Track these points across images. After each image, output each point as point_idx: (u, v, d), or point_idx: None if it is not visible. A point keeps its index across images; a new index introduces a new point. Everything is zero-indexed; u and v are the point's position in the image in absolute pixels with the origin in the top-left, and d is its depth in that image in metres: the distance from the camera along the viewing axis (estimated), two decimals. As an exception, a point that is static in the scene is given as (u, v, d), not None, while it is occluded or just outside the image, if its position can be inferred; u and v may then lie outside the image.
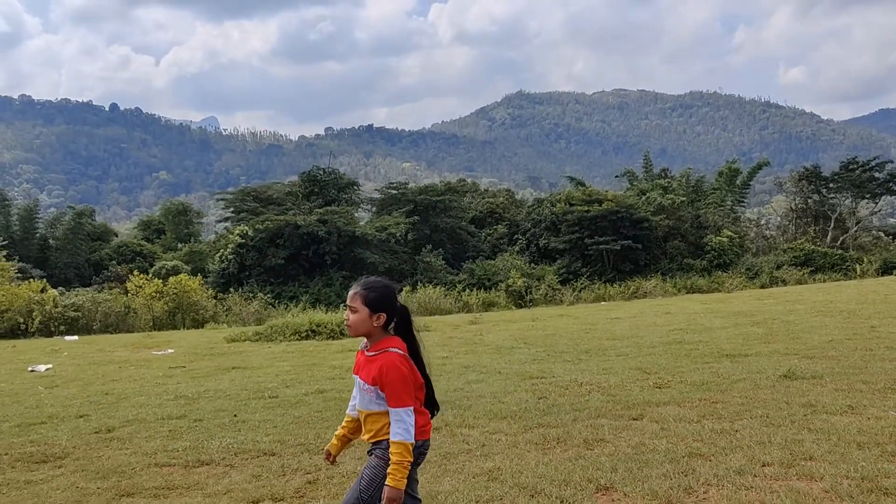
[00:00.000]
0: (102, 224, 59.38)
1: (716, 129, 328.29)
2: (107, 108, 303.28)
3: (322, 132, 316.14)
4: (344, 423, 3.63)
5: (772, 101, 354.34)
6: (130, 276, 25.40)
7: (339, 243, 39.07)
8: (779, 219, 51.42)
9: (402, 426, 3.22)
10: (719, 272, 37.42)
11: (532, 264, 41.18)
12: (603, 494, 4.53)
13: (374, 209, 48.64)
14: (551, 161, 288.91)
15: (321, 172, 45.22)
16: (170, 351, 13.42)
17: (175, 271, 36.87)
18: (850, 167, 41.51)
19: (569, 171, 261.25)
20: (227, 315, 24.44)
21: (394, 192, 47.64)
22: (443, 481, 4.92)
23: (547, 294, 33.97)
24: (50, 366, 11.69)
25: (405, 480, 3.21)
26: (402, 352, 3.31)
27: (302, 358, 11.67)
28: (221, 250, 40.86)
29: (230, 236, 41.24)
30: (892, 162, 42.16)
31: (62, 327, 21.49)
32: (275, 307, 27.65)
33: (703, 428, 5.82)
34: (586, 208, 41.47)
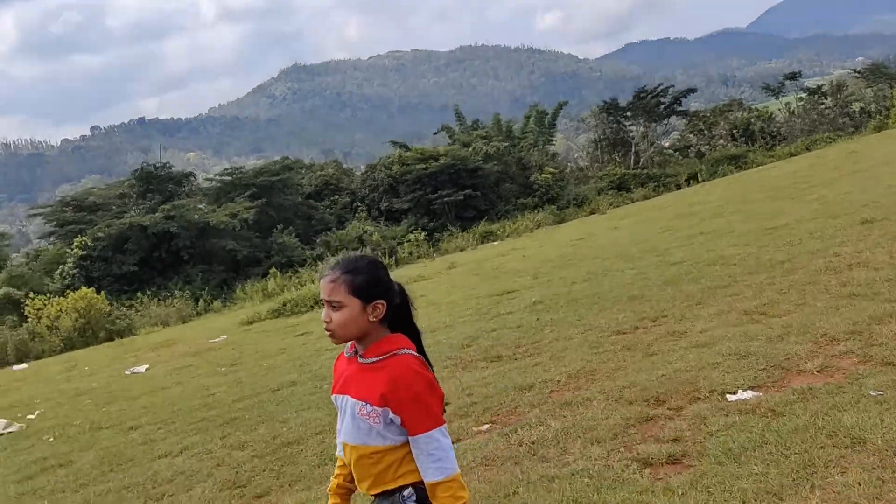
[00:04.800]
0: None
1: (489, 80, 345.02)
2: None
3: (88, 132, 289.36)
4: (337, 470, 2.51)
5: (534, 48, 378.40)
6: (27, 302, 24.09)
7: (192, 237, 38.29)
8: (580, 153, 56.99)
9: (442, 454, 2.20)
10: (552, 206, 41.35)
11: (383, 227, 42.97)
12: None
13: (206, 199, 47.45)
14: (340, 131, 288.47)
15: (153, 168, 43.43)
16: (223, 337, 14.16)
17: (9, 300, 34.45)
18: (641, 95, 47.33)
19: (359, 138, 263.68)
20: (142, 321, 24.03)
21: (229, 177, 46.86)
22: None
23: (412, 252, 35.88)
24: (147, 365, 12.15)
25: None
26: (416, 353, 2.30)
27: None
28: (61, 266, 38.44)
29: (68, 250, 38.85)
30: (673, 86, 48.73)
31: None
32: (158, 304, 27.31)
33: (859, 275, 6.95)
34: (424, 166, 43.71)
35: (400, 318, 2.38)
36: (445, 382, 6.45)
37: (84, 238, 37.66)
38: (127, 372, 12.28)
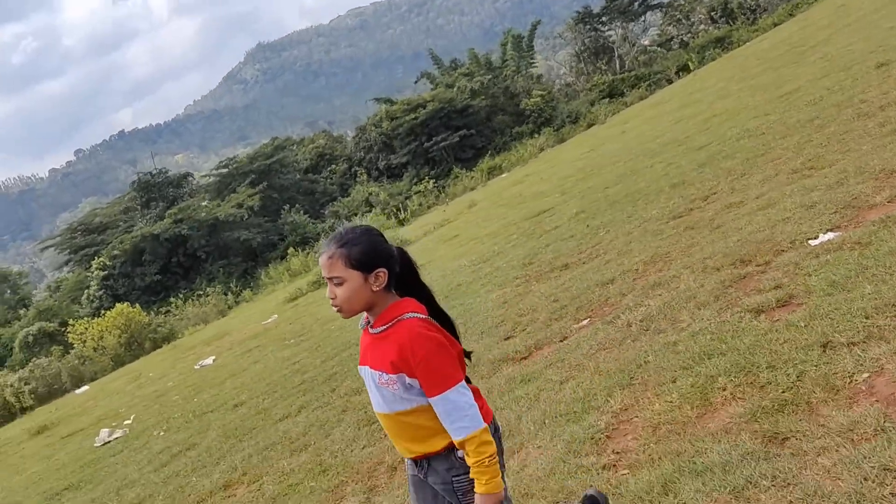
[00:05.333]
0: None
1: (455, 17, 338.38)
2: None
3: (73, 157, 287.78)
4: None
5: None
6: (68, 330, 24.69)
7: (204, 235, 38.63)
8: (564, 69, 56.32)
9: (461, 414, 2.19)
10: (548, 128, 41.15)
11: (387, 185, 43.09)
12: None
13: (208, 195, 47.65)
14: (319, 101, 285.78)
15: (150, 176, 43.55)
16: (274, 317, 14.62)
17: (45, 333, 35.13)
18: (614, -2, 46.59)
19: (339, 104, 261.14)
20: (185, 320, 24.56)
21: (225, 169, 47.02)
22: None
23: (422, 203, 35.93)
24: (213, 357, 12.60)
25: (500, 478, 2.20)
26: (422, 315, 2.28)
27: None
28: (86, 291, 38.99)
29: (89, 274, 39.35)
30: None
31: (31, 401, 20.93)
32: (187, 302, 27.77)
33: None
34: (413, 116, 43.52)
35: (407, 282, 2.35)
36: (524, 296, 6.74)
37: (101, 259, 38.08)
38: (196, 367, 12.68)
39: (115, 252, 37.95)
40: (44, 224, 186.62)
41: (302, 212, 42.64)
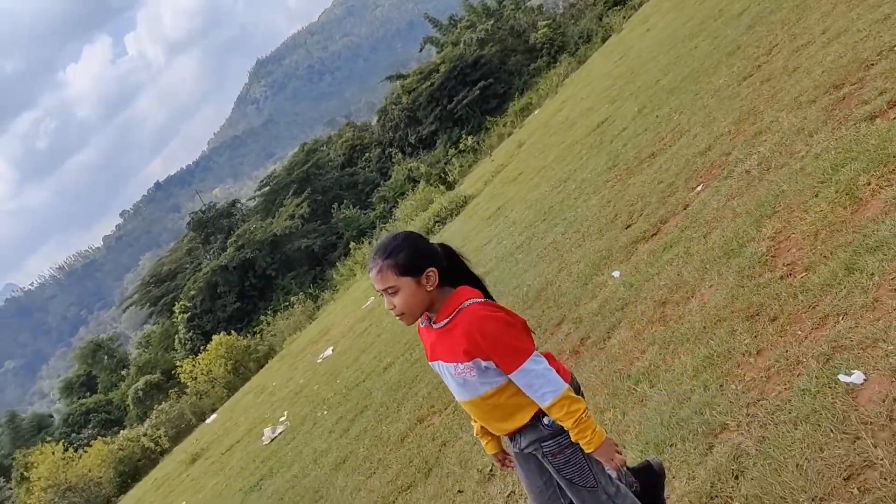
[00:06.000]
0: (34, 414, 57.56)
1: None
2: None
3: (120, 219, 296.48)
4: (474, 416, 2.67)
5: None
6: (178, 367, 26.03)
7: (268, 254, 39.84)
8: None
9: (541, 381, 2.31)
10: (564, 55, 40.67)
11: (424, 157, 43.40)
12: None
13: (259, 216, 48.81)
14: (330, 98, 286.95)
15: (202, 213, 44.94)
16: (371, 299, 15.25)
17: (151, 385, 36.94)
18: None
19: (350, 96, 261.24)
20: (279, 335, 25.63)
21: (267, 188, 48.20)
22: None
23: (463, 164, 36.04)
24: (331, 347, 13.29)
25: (599, 430, 2.32)
26: (481, 299, 2.38)
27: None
28: (175, 336, 40.71)
29: (174, 320, 41.02)
30: None
31: (167, 443, 22.28)
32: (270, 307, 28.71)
33: None
34: (429, 83, 43.67)
35: (456, 273, 2.43)
36: (625, 191, 7.03)
37: (181, 303, 39.66)
38: (318, 360, 13.34)
39: (192, 292, 39.47)
40: (113, 290, 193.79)
41: (351, 206, 43.46)
